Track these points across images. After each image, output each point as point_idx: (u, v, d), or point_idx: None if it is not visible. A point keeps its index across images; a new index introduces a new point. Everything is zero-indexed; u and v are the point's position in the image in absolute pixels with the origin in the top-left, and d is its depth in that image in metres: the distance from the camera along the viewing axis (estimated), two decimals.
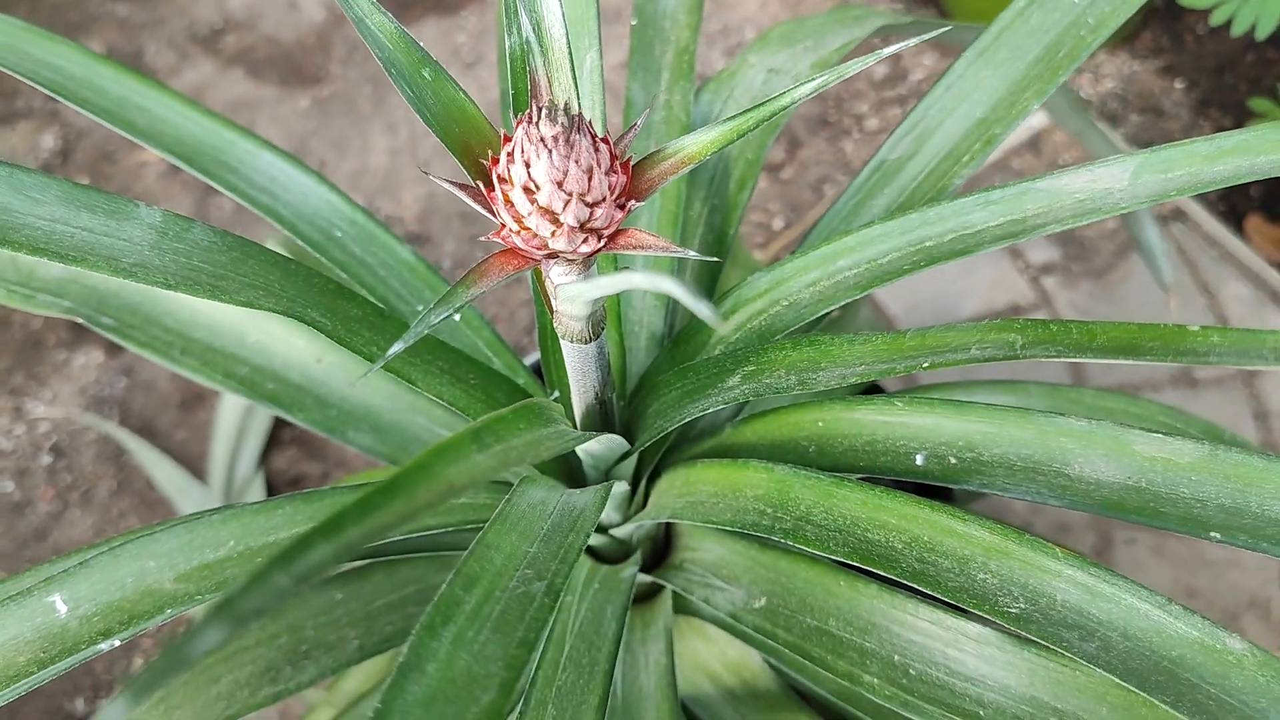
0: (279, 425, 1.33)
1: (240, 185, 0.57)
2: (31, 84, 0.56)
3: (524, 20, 0.44)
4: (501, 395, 0.58)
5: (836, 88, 1.60)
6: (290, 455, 1.33)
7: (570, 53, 0.46)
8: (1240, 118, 1.54)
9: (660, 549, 0.69)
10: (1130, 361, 0.37)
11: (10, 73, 0.51)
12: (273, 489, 1.31)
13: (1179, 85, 1.59)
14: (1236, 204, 1.48)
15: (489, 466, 0.34)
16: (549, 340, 0.60)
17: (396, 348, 0.37)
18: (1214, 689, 0.43)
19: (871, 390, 0.88)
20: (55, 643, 0.48)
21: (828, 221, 0.61)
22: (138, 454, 1.31)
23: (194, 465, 1.33)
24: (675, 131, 0.66)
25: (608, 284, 0.37)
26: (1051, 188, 0.54)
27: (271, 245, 1.17)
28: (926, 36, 0.44)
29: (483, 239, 0.58)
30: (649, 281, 0.32)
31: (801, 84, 0.41)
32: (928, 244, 0.53)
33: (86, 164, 1.57)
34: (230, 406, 1.27)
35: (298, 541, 0.25)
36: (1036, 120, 1.54)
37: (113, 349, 1.43)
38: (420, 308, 0.62)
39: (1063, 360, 0.43)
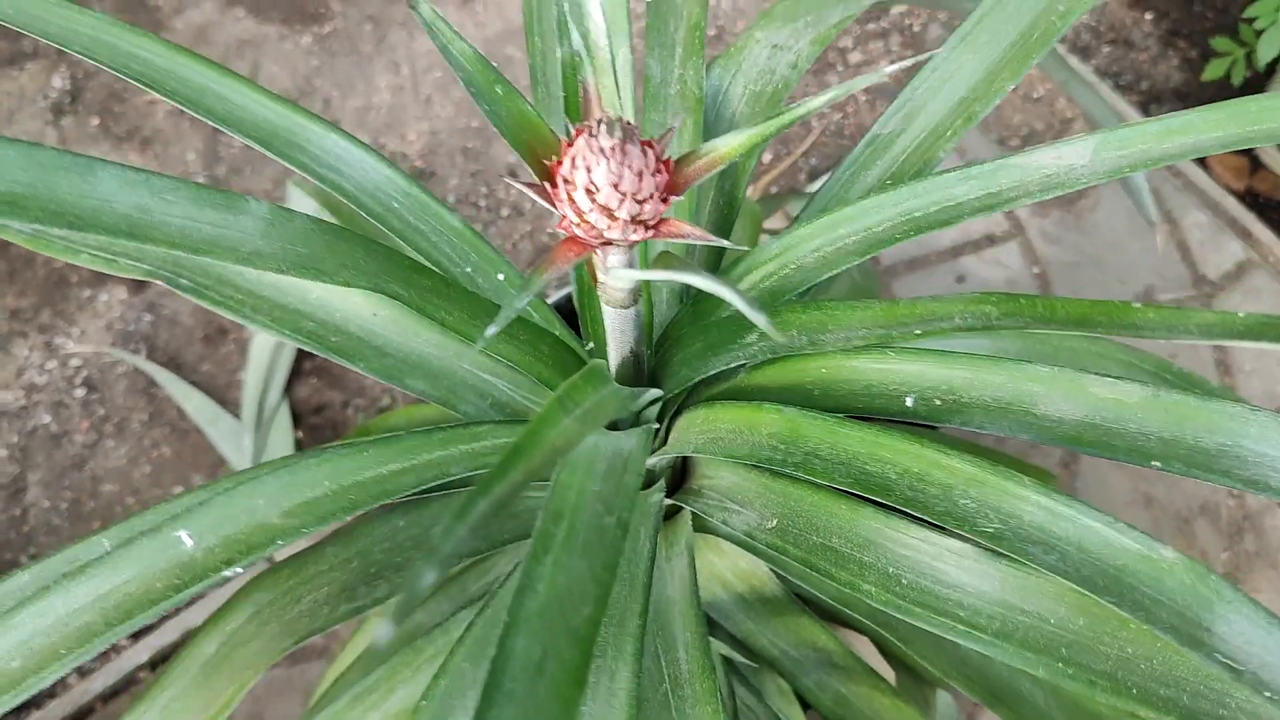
0: (301, 356, 1.42)
1: (310, 164, 0.65)
2: (120, 74, 0.63)
3: (573, 34, 0.51)
4: (545, 347, 0.66)
5: None
6: (312, 385, 1.42)
7: (613, 61, 0.53)
8: (1205, 49, 1.61)
9: (679, 476, 0.78)
10: (1083, 333, 0.46)
11: (124, 76, 0.58)
12: (297, 417, 1.40)
13: (1148, 17, 1.66)
14: None
15: (576, 429, 0.43)
16: (585, 298, 0.68)
17: (492, 330, 0.45)
18: (1150, 590, 0.52)
19: None
20: (186, 571, 0.57)
21: (828, 190, 0.69)
22: (168, 386, 1.39)
23: (220, 395, 1.42)
24: (690, 105, 0.73)
25: (663, 276, 0.46)
26: (1024, 164, 0.62)
27: (294, 190, 1.24)
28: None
29: (548, 232, 0.66)
30: (706, 283, 0.40)
31: (815, 98, 0.49)
32: (916, 214, 0.62)
33: (96, 104, 1.62)
34: (262, 341, 1.35)
35: (465, 501, 0.34)
36: None
37: (135, 287, 1.50)
38: (469, 269, 0.70)
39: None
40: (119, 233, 0.49)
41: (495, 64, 1.60)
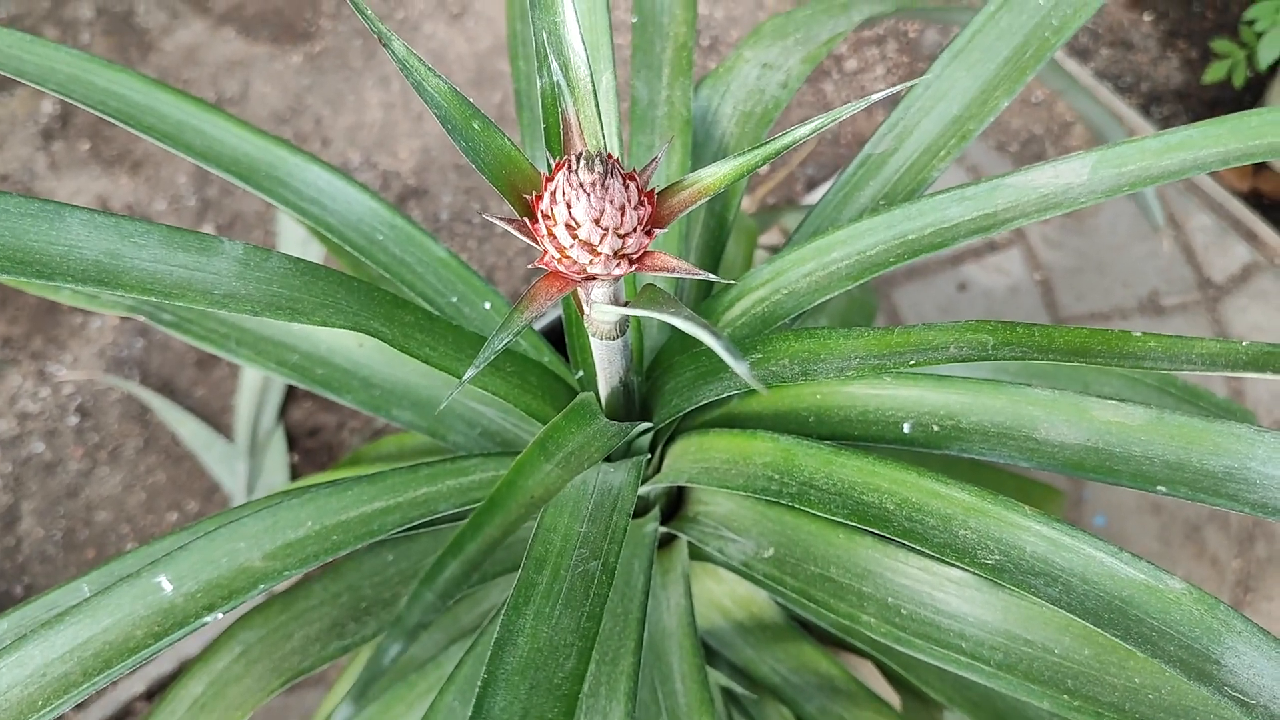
0: None
1: (292, 199, 0.63)
2: (96, 112, 0.62)
3: (553, 65, 0.50)
4: (534, 379, 0.65)
5: None
6: (306, 407, 1.40)
7: (595, 90, 0.52)
8: (1205, 49, 1.60)
9: (674, 502, 0.77)
10: (1082, 364, 0.45)
11: (100, 114, 0.57)
12: (292, 440, 1.38)
13: (1147, 18, 1.64)
14: None
15: (558, 476, 0.41)
16: (574, 327, 0.67)
17: (470, 373, 0.44)
18: (1156, 622, 0.51)
19: None
20: (167, 617, 0.55)
21: (820, 211, 0.68)
22: (161, 412, 1.38)
23: (214, 420, 1.40)
24: (678, 126, 0.72)
25: (645, 314, 0.44)
26: (1019, 184, 0.61)
27: (284, 215, 1.22)
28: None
29: (530, 266, 0.64)
30: (687, 325, 0.39)
31: (801, 126, 0.48)
32: (910, 237, 0.60)
33: (86, 127, 1.61)
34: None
35: (435, 564, 0.32)
36: None
37: None
38: (454, 299, 0.68)
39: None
40: (88, 279, 0.47)
41: (487, 78, 1.56)
